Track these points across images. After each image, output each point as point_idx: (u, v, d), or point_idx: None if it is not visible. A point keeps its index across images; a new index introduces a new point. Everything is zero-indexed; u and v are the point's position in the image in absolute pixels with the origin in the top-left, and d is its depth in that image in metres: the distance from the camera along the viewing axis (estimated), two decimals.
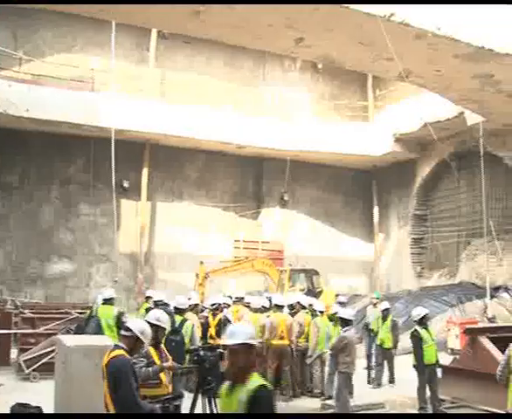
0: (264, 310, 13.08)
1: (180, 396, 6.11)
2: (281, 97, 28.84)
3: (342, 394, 10.23)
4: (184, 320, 10.47)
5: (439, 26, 15.22)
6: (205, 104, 25.36)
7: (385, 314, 14.34)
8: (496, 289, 21.94)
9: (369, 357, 15.42)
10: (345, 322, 10.68)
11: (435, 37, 15.38)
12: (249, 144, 26.35)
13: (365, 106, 30.54)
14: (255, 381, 4.17)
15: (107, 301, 12.92)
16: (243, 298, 14.79)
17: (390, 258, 30.08)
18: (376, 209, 30.55)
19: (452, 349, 16.85)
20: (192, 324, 10.80)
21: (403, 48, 15.65)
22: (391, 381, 13.99)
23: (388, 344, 14.02)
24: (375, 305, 16.18)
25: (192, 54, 27.29)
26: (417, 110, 24.33)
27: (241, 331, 4.42)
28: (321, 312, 13.11)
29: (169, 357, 6.86)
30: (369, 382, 14.33)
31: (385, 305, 14.79)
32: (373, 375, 14.38)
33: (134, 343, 5.95)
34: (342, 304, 14.55)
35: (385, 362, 14.16)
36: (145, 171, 25.68)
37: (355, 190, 31.09)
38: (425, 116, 23.20)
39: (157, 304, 12.91)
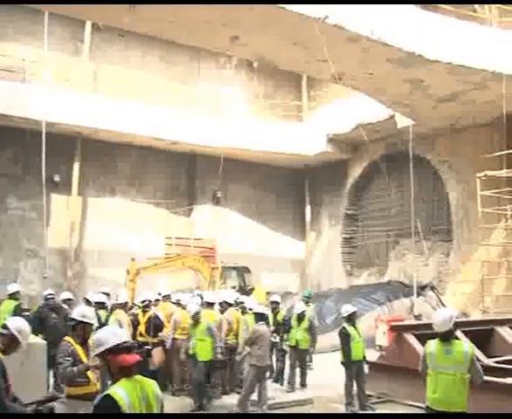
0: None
1: (54, 398, 5.98)
2: (216, 94, 28.80)
3: (249, 388, 10.37)
4: (109, 316, 10.37)
5: (373, 30, 15.56)
6: (140, 99, 25.07)
7: (302, 315, 13.82)
8: (423, 288, 22.58)
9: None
10: (259, 316, 10.85)
11: (368, 40, 15.71)
12: (182, 140, 26.21)
13: (299, 106, 30.85)
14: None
15: (12, 296, 12.69)
16: (170, 295, 14.74)
17: (321, 257, 30.50)
18: (308, 208, 30.93)
19: (380, 346, 17.21)
20: (118, 320, 10.68)
21: (337, 50, 15.90)
22: (303, 384, 13.58)
23: (304, 345, 13.70)
24: (307, 303, 16.32)
25: (127, 48, 26.92)
26: (349, 111, 24.78)
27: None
28: (251, 309, 13.19)
29: None
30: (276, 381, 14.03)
31: (300, 306, 14.40)
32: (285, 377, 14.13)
33: (9, 342, 5.81)
34: (275, 303, 14.42)
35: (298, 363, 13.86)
36: (76, 165, 25.17)
37: (287, 189, 31.37)
38: (358, 118, 23.65)
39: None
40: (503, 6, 20.31)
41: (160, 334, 12.56)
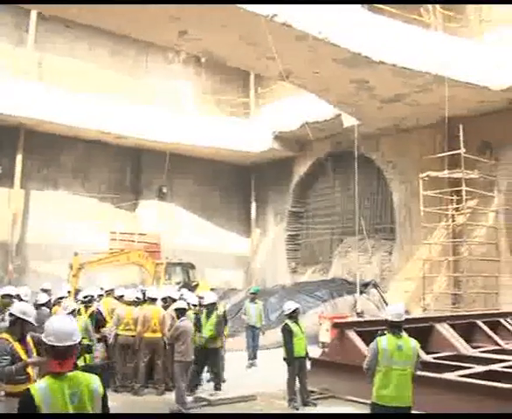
0: (137, 302, 12.92)
1: None
2: (164, 89, 28.60)
3: (179, 384, 10.38)
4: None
5: (320, 30, 15.69)
6: (87, 91, 24.70)
7: (210, 309, 12.41)
8: (366, 285, 22.88)
9: (250, 354, 15.69)
10: (181, 312, 10.86)
11: (316, 40, 15.84)
12: (128, 135, 25.98)
13: (246, 103, 30.91)
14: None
15: None
16: (113, 290, 14.58)
17: (266, 254, 30.64)
18: (253, 205, 31.07)
19: (323, 343, 17.34)
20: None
21: (284, 48, 15.99)
22: (217, 387, 12.28)
23: (212, 343, 12.25)
24: (253, 300, 16.32)
25: (74, 39, 26.46)
26: (296, 109, 24.94)
27: None
28: (195, 306, 13.14)
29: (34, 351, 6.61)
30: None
31: (211, 297, 13.00)
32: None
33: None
34: (210, 305, 14.10)
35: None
36: (19, 157, 24.68)
37: (233, 185, 31.41)
38: (304, 116, 23.82)
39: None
40: (447, 12, 20.80)
41: (102, 330, 12.41)
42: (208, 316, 12.34)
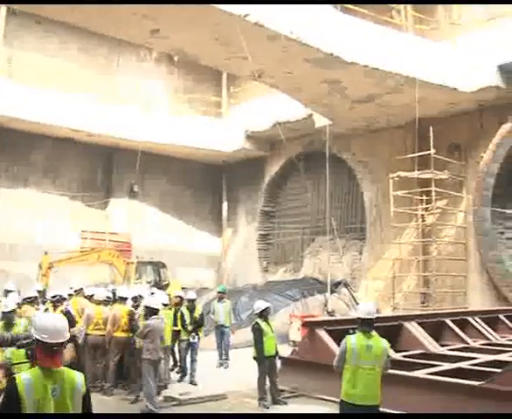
0: (107, 302, 12.85)
1: None
2: (136, 87, 28.43)
3: (148, 382, 10.36)
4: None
5: (292, 30, 15.74)
6: (58, 88, 24.43)
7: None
8: (336, 284, 23.04)
9: (220, 354, 15.68)
10: (152, 311, 10.86)
11: (288, 40, 15.89)
12: (100, 133, 25.76)
13: (219, 102, 30.86)
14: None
15: None
16: (82, 289, 14.45)
17: (237, 253, 30.65)
18: (225, 205, 31.06)
19: (293, 341, 17.44)
20: (26, 317, 10.39)
21: (257, 48, 16.01)
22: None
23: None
24: (221, 299, 16.31)
25: (45, 36, 26.12)
26: (268, 109, 24.99)
27: None
28: (165, 305, 13.10)
29: None
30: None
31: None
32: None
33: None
34: (191, 301, 14.20)
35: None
36: None
37: (205, 185, 31.35)
38: (276, 116, 23.89)
39: None
40: (418, 14, 21.02)
41: (71, 330, 12.30)
42: (191, 312, 13.32)
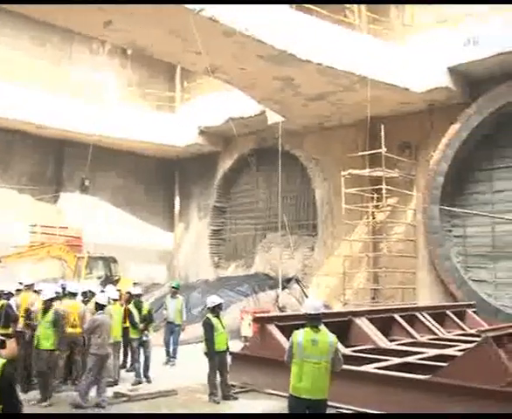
0: (57, 297, 12.62)
1: None
2: (88, 79, 28.02)
3: (88, 378, 10.30)
4: None
5: (247, 26, 15.75)
6: (7, 79, 23.89)
7: (48, 304, 11.17)
8: (288, 280, 23.23)
9: (167, 351, 15.59)
10: (100, 306, 10.80)
11: (242, 36, 15.90)
12: (50, 125, 25.30)
13: (172, 97, 30.69)
14: None
15: None
16: (33, 284, 14.19)
17: (189, 248, 30.56)
18: (177, 200, 30.94)
19: (245, 337, 17.51)
20: None
21: (211, 43, 15.97)
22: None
23: (45, 344, 10.92)
24: (174, 295, 16.23)
25: None
26: (222, 105, 24.97)
27: None
28: (115, 300, 13.00)
29: None
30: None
31: (47, 292, 11.56)
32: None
33: None
34: (138, 296, 13.99)
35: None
36: None
37: (158, 180, 31.14)
38: (230, 111, 23.89)
39: None
40: (372, 14, 21.29)
41: (18, 325, 12.10)
42: (138, 309, 13.05)
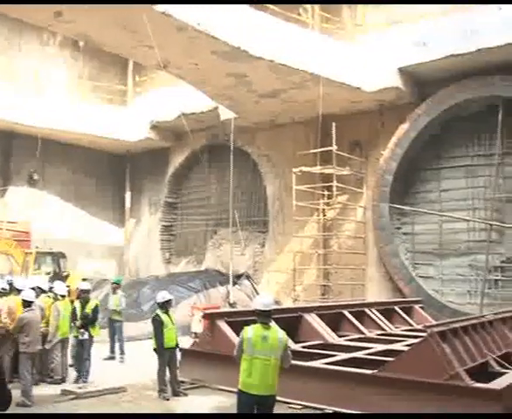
0: (3, 293, 12.37)
1: None
2: (37, 71, 27.49)
3: (25, 377, 10.19)
4: None
5: (200, 22, 15.71)
6: None
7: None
8: (239, 276, 23.28)
9: (111, 347, 15.42)
10: (27, 303, 10.67)
11: (195, 31, 15.86)
12: None
13: (124, 91, 30.37)
14: None
15: None
16: None
17: (140, 244, 30.33)
18: (128, 195, 30.66)
19: (195, 333, 17.47)
20: None
21: (164, 38, 15.90)
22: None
23: None
24: (115, 290, 16.06)
25: None
26: (174, 100, 24.82)
27: None
28: (63, 296, 12.78)
29: None
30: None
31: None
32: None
33: None
34: (84, 292, 13.60)
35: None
36: None
37: (108, 174, 30.78)
38: (182, 107, 23.77)
39: None
40: (325, 13, 21.49)
41: None
42: (83, 306, 12.43)
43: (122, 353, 15.31)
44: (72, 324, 12.40)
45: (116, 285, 16.19)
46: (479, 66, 18.53)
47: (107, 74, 30.30)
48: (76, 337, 12.49)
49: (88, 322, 12.38)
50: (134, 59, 25.21)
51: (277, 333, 6.92)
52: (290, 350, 7.15)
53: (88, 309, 12.49)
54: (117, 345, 15.46)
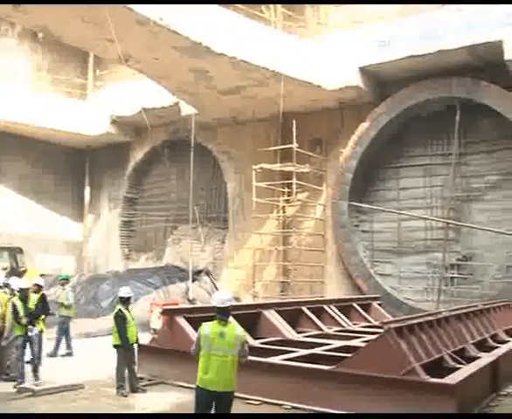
0: None
1: None
2: None
3: None
4: None
5: (162, 16, 15.62)
6: None
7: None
8: (198, 272, 23.27)
9: (56, 343, 15.12)
10: None
11: (157, 26, 15.78)
12: None
13: (84, 84, 30.01)
14: None
15: None
16: None
17: (99, 240, 30.04)
18: (87, 190, 30.34)
19: (154, 329, 17.39)
20: None
21: (125, 32, 15.79)
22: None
23: None
24: (63, 286, 15.86)
25: None
26: (135, 94, 24.65)
27: None
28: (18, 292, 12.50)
29: None
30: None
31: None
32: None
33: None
34: (38, 286, 13.29)
35: None
36: None
37: (67, 169, 30.37)
38: (142, 102, 23.62)
39: None
40: (288, 11, 21.57)
41: None
42: (24, 302, 11.64)
43: (69, 347, 15.10)
44: (17, 322, 11.52)
45: (65, 281, 15.98)
46: (439, 67, 18.83)
47: (67, 67, 29.88)
48: (20, 336, 11.61)
49: (33, 317, 11.73)
50: (94, 53, 24.93)
51: (235, 329, 6.94)
52: (248, 346, 7.17)
53: (31, 304, 11.82)
54: (64, 340, 15.21)
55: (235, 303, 12.32)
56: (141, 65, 19.37)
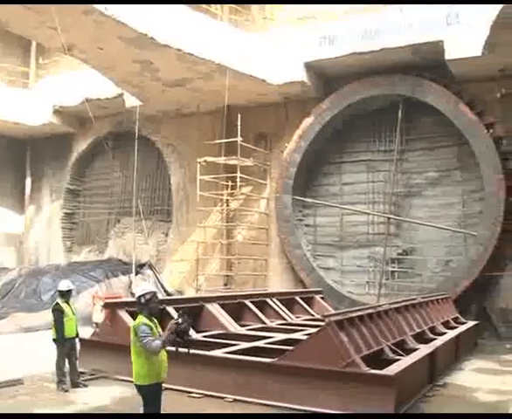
0: None
1: None
2: None
3: None
4: None
5: (107, 6, 15.43)
6: None
7: None
8: (141, 266, 23.15)
9: None
10: None
11: (102, 15, 15.57)
12: None
13: (26, 73, 29.35)
14: None
15: None
16: None
17: (40, 232, 29.48)
18: (28, 181, 29.70)
19: (96, 323, 17.25)
20: None
21: (69, 20, 15.53)
22: None
23: None
24: None
25: None
26: (78, 84, 24.26)
27: None
28: None
29: None
30: None
31: None
32: None
33: None
34: None
35: None
36: None
37: (7, 159, 29.64)
38: (86, 92, 23.27)
39: None
40: (234, 5, 21.60)
41: None
42: None
43: None
44: None
45: None
46: (382, 65, 19.14)
47: (8, 54, 29.11)
48: None
49: None
50: (36, 41, 24.37)
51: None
52: (190, 339, 7.03)
53: None
54: None
55: (174, 296, 12.29)
56: (86, 56, 19.07)
